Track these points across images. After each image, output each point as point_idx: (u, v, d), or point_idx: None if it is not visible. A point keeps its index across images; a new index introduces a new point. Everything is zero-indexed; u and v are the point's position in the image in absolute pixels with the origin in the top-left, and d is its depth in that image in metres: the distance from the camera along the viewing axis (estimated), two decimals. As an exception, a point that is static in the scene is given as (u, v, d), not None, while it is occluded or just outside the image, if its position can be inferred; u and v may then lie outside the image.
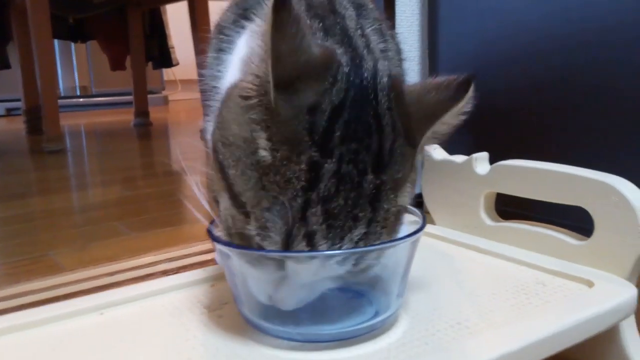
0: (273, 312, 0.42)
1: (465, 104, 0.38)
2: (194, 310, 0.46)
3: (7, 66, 2.48)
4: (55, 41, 3.07)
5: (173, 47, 2.81)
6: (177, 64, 2.87)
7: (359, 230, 0.35)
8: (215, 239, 0.40)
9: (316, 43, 0.37)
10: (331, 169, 0.35)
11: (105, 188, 1.50)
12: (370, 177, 0.36)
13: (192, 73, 2.43)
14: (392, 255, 0.40)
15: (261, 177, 0.35)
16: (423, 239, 0.59)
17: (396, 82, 0.39)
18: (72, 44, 3.53)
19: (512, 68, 0.92)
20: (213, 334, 0.42)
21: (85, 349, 0.41)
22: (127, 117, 2.95)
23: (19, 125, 2.70)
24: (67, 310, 0.46)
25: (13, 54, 2.47)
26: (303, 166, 0.34)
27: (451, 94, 0.37)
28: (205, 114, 0.53)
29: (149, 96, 2.81)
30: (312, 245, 0.35)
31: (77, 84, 3.82)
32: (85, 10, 2.49)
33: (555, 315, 0.43)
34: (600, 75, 0.80)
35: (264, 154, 0.35)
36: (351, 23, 0.43)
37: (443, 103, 0.38)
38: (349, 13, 0.44)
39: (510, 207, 0.65)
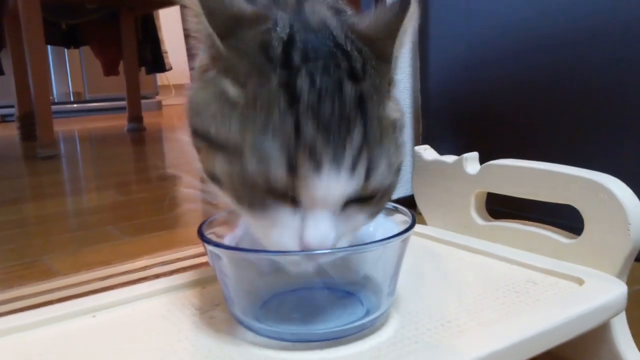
0: (264, 313, 0.42)
1: (414, 12, 0.39)
2: (186, 312, 0.46)
3: (0, 73, 2.47)
4: (49, 47, 3.07)
5: (166, 52, 2.81)
6: (170, 68, 2.87)
7: (357, 136, 0.34)
8: (206, 240, 0.40)
9: (246, 5, 0.38)
10: (306, 82, 0.34)
11: (98, 193, 1.50)
12: (349, 84, 0.35)
13: (185, 78, 2.44)
14: (382, 254, 0.40)
15: (242, 116, 0.35)
16: (414, 238, 0.59)
17: (346, 19, 0.41)
18: (66, 50, 3.53)
19: (501, 69, 0.92)
20: (205, 335, 0.42)
21: (77, 352, 0.41)
22: (120, 122, 2.94)
23: (12, 131, 2.69)
24: (59, 313, 0.46)
25: (6, 60, 2.47)
26: (275, 84, 0.34)
27: (397, 9, 0.38)
28: None
29: (143, 101, 2.81)
30: (315, 159, 0.33)
31: (70, 89, 3.82)
32: (78, 16, 2.49)
33: (545, 313, 0.43)
34: (587, 75, 0.80)
35: (234, 94, 0.35)
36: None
37: (395, 19, 0.38)
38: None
39: (501, 207, 0.66)
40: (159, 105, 4.02)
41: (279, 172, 0.33)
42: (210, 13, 0.36)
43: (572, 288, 0.48)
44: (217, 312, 0.46)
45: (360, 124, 0.35)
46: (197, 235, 0.41)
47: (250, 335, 0.41)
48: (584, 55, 0.80)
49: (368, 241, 0.39)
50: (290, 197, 0.35)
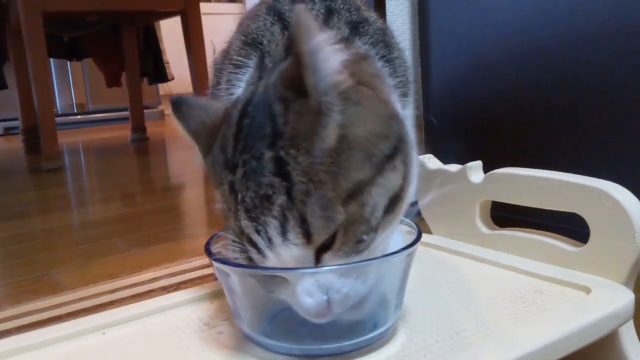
0: (272, 328, 0.43)
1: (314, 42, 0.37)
2: (194, 327, 0.46)
3: (4, 86, 2.49)
4: (51, 60, 3.09)
5: (168, 63, 2.82)
6: (172, 78, 2.88)
7: (277, 204, 0.36)
8: (213, 257, 0.41)
9: (218, 106, 0.44)
10: (239, 176, 0.38)
11: (104, 205, 1.51)
12: (267, 154, 0.37)
13: (187, 87, 2.45)
14: (388, 268, 0.41)
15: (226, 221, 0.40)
16: (421, 248, 0.59)
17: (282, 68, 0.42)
18: (68, 62, 3.54)
19: (503, 77, 0.92)
20: (213, 351, 0.42)
21: (87, 370, 0.41)
22: (124, 132, 2.95)
23: (17, 144, 2.70)
24: (69, 331, 0.46)
25: (9, 74, 2.48)
26: (227, 191, 0.39)
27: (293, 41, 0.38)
28: None
29: (145, 111, 2.82)
30: (253, 245, 0.37)
31: (74, 101, 3.84)
32: (80, 29, 2.51)
33: (553, 324, 0.43)
34: (590, 82, 0.80)
35: (218, 206, 0.41)
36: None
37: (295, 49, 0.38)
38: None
39: (504, 212, 0.66)
40: (162, 115, 4.03)
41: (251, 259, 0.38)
42: (197, 138, 0.44)
43: (579, 297, 0.48)
44: (225, 328, 0.46)
45: (281, 190, 0.36)
46: (205, 252, 0.42)
47: (259, 351, 0.41)
48: (586, 62, 0.80)
49: (374, 255, 0.39)
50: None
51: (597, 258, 0.50)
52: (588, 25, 0.79)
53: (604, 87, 0.79)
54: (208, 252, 0.41)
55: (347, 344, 0.40)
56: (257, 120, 0.39)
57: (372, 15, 0.54)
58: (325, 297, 0.37)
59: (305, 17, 0.35)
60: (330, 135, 0.37)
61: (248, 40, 0.50)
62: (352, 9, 0.52)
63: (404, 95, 0.53)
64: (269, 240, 0.36)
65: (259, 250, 0.37)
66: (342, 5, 0.52)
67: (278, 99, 0.38)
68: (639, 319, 0.50)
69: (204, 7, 2.33)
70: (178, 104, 0.45)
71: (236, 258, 0.39)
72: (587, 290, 0.48)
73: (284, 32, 0.48)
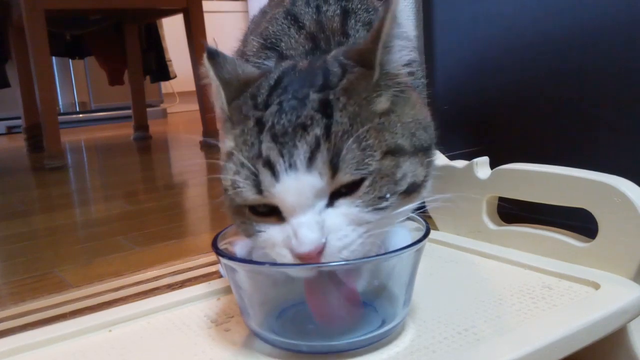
0: (279, 325, 0.42)
1: (395, 10, 0.40)
2: (201, 324, 0.46)
3: (6, 85, 2.49)
4: (54, 58, 3.09)
5: (170, 61, 2.82)
6: (175, 76, 2.88)
7: (314, 132, 0.37)
8: (220, 253, 0.40)
9: (253, 68, 0.46)
10: (273, 110, 0.39)
11: (107, 203, 1.51)
12: (313, 95, 0.39)
13: (189, 85, 2.45)
14: (397, 264, 0.40)
15: (230, 160, 0.40)
16: (428, 245, 0.59)
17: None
18: (70, 61, 3.55)
19: (509, 73, 0.92)
20: (221, 348, 0.42)
21: (94, 368, 0.41)
22: (126, 131, 2.96)
23: (19, 143, 2.71)
24: (76, 328, 0.46)
25: (11, 72, 2.48)
26: (251, 124, 0.39)
27: (381, 14, 0.40)
28: None
29: (148, 109, 2.82)
30: (270, 166, 0.37)
31: (76, 99, 3.84)
32: (82, 27, 2.51)
33: (562, 319, 0.43)
34: (596, 77, 0.80)
35: (229, 144, 0.41)
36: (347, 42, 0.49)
37: (379, 22, 0.40)
38: (358, 35, 0.50)
39: (512, 208, 0.65)
40: (164, 113, 4.03)
41: (248, 196, 0.38)
42: (225, 83, 0.44)
43: (588, 293, 0.48)
44: (232, 325, 0.46)
45: (320, 123, 0.37)
46: (212, 248, 0.42)
47: (266, 347, 0.41)
48: (593, 56, 0.80)
49: (383, 251, 0.39)
50: (272, 213, 0.38)
51: (606, 254, 0.50)
52: (595, 19, 0.79)
53: (612, 81, 0.79)
54: (215, 248, 0.41)
55: (354, 340, 0.40)
56: (305, 76, 0.41)
57: None
58: (323, 240, 0.36)
59: (398, 8, 0.40)
60: (382, 102, 0.40)
61: (267, 44, 0.52)
62: (369, 9, 0.52)
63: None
64: (291, 164, 0.36)
65: (274, 173, 0.37)
66: (359, 6, 0.52)
67: (337, 63, 0.41)
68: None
69: (206, 5, 2.32)
70: (214, 53, 0.45)
71: (237, 187, 0.38)
72: (596, 286, 0.48)
73: (300, 35, 0.50)
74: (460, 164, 0.63)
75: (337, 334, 0.40)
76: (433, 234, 0.65)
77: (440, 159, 0.66)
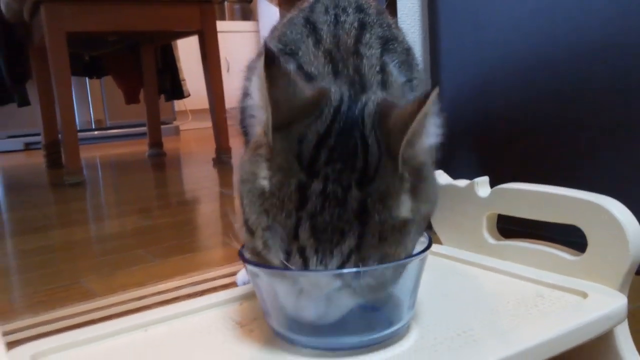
0: (299, 325, 0.47)
1: (430, 110, 0.40)
2: (227, 326, 0.51)
3: (27, 103, 2.57)
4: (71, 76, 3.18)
5: (184, 80, 2.90)
6: (189, 95, 2.96)
7: (348, 243, 0.40)
8: (245, 260, 0.46)
9: (309, 86, 0.44)
10: (317, 189, 0.40)
11: (123, 218, 1.56)
12: (354, 192, 0.40)
13: (202, 103, 2.52)
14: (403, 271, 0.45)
15: (263, 202, 0.41)
16: (432, 257, 0.64)
17: (383, 105, 0.44)
18: (87, 79, 3.64)
19: (510, 96, 0.97)
20: (246, 346, 0.47)
21: (133, 362, 0.47)
22: (141, 148, 3.02)
23: (37, 159, 2.78)
24: (115, 328, 0.51)
25: (31, 91, 2.56)
26: (293, 188, 0.40)
27: (415, 105, 0.40)
28: None
29: (161, 127, 2.89)
30: (304, 259, 0.40)
31: (92, 117, 3.93)
32: (100, 48, 2.59)
33: (552, 323, 0.48)
34: (596, 101, 0.85)
35: (263, 182, 0.42)
36: (362, 62, 0.49)
37: (410, 112, 0.40)
38: (370, 52, 0.50)
39: (514, 226, 0.70)
40: (177, 131, 4.11)
41: (275, 259, 0.41)
42: (276, 105, 0.41)
43: (576, 301, 0.52)
44: (256, 326, 0.51)
45: (355, 233, 0.40)
46: (238, 255, 0.47)
47: (286, 345, 0.46)
48: (592, 80, 0.85)
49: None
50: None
51: (594, 266, 0.55)
52: (595, 44, 0.84)
53: (610, 106, 0.84)
54: (241, 255, 0.46)
55: (365, 339, 0.45)
56: (349, 144, 0.41)
57: (401, 33, 0.56)
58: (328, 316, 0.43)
59: (431, 108, 0.40)
60: (405, 204, 0.41)
61: (286, 50, 0.52)
62: (384, 25, 0.53)
63: None
64: (321, 263, 0.40)
65: (305, 263, 0.40)
66: (375, 20, 0.53)
67: (374, 138, 0.41)
68: (634, 328, 0.54)
69: (219, 25, 2.40)
70: (273, 58, 0.41)
71: (267, 246, 0.41)
72: (584, 295, 0.52)
73: (318, 45, 0.50)
74: (462, 183, 0.68)
75: (349, 333, 0.45)
76: (437, 247, 0.70)
77: (443, 178, 0.71)
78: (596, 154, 0.86)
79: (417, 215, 0.43)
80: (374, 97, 0.45)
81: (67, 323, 0.76)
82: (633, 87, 0.80)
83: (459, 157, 1.04)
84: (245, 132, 0.57)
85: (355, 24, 0.51)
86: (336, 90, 0.44)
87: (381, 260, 0.41)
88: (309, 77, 0.48)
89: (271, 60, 0.40)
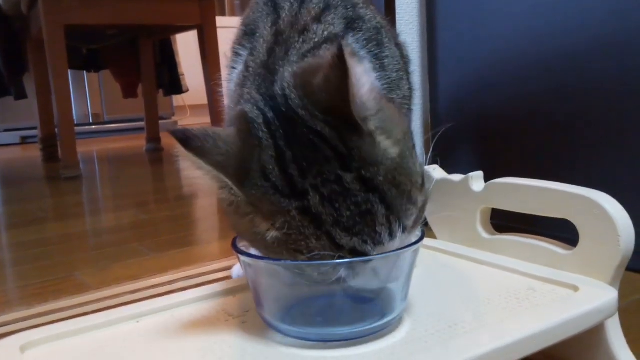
0: (291, 316, 0.48)
1: (351, 67, 0.38)
2: (220, 317, 0.51)
3: (24, 96, 2.56)
4: (69, 71, 3.17)
5: (183, 75, 2.89)
6: (187, 90, 2.95)
7: (381, 214, 0.40)
8: (239, 251, 0.46)
9: (229, 130, 0.43)
10: (316, 201, 0.40)
11: (120, 212, 1.56)
12: (346, 176, 0.40)
13: (201, 98, 2.51)
14: (396, 263, 0.46)
15: (288, 246, 0.41)
16: (425, 251, 0.64)
17: (297, 79, 0.43)
18: (85, 73, 3.63)
19: (506, 92, 0.98)
20: (239, 337, 0.47)
21: (125, 353, 0.47)
22: (138, 142, 3.02)
23: (34, 153, 2.78)
24: (108, 318, 0.51)
25: (28, 84, 2.56)
26: (299, 218, 0.40)
27: (335, 75, 0.39)
28: None
29: (160, 122, 2.88)
30: (362, 253, 0.41)
31: (89, 111, 3.93)
32: (99, 41, 2.58)
33: (543, 316, 0.48)
34: (589, 98, 0.85)
35: (273, 234, 0.41)
36: (304, 37, 0.49)
37: (339, 82, 0.39)
38: (323, 28, 0.50)
39: (508, 221, 0.71)
40: (175, 126, 4.11)
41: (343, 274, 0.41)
42: (222, 166, 0.40)
43: (568, 294, 0.53)
44: (248, 317, 0.51)
45: (377, 202, 0.40)
46: (231, 247, 0.47)
47: (278, 336, 0.46)
48: (586, 77, 0.85)
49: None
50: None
51: (586, 260, 0.55)
52: (591, 42, 0.84)
53: (604, 103, 0.84)
54: (235, 247, 0.46)
55: (357, 330, 0.45)
56: (304, 144, 0.41)
57: (369, 13, 0.55)
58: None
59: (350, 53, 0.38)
60: (387, 144, 0.41)
61: (247, 30, 0.53)
62: (348, 6, 0.53)
63: (390, 91, 0.55)
64: (377, 243, 0.41)
65: (364, 254, 0.41)
66: (340, 2, 0.53)
67: (324, 125, 0.41)
68: (631, 319, 0.55)
69: (218, 20, 2.39)
70: (187, 139, 0.40)
71: (322, 275, 0.41)
72: (575, 289, 0.53)
73: (274, 25, 0.50)
74: (456, 177, 0.68)
75: (341, 324, 0.45)
76: (432, 242, 0.70)
77: (437, 172, 0.71)
78: (589, 150, 0.86)
79: (402, 143, 0.43)
80: (284, 82, 0.44)
81: (60, 316, 0.76)
82: (628, 84, 0.81)
83: (454, 151, 1.05)
84: None
85: (321, 5, 0.52)
86: (251, 108, 0.44)
87: (410, 201, 0.42)
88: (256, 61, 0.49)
89: (183, 142, 0.40)
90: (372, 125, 0.41)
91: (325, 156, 0.40)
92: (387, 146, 0.42)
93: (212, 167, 0.40)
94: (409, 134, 0.45)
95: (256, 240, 0.43)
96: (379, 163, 0.41)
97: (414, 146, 0.45)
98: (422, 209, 0.44)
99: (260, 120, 0.42)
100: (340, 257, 0.40)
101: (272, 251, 0.42)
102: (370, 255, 0.41)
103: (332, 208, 0.40)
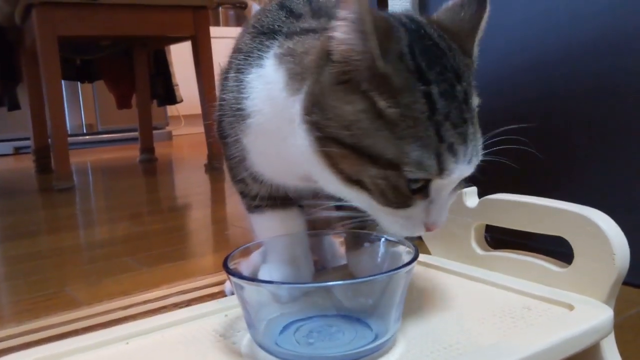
0: (283, 338, 0.47)
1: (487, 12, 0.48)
2: (210, 338, 0.51)
3: (17, 107, 2.55)
4: (63, 81, 3.17)
5: (177, 85, 2.89)
6: (181, 101, 2.95)
7: (474, 129, 0.45)
8: (231, 272, 0.45)
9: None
10: (437, 91, 0.42)
11: (113, 224, 1.55)
12: (458, 87, 0.44)
13: (195, 108, 2.51)
14: (389, 284, 0.45)
15: (393, 129, 0.42)
16: (419, 268, 0.64)
17: (429, 19, 0.48)
18: (79, 84, 3.62)
19: (498, 105, 0.97)
20: (229, 358, 0.46)
21: (113, 375, 0.46)
22: (132, 153, 3.01)
23: (26, 163, 2.76)
24: (96, 340, 0.50)
25: (21, 95, 2.55)
26: (421, 99, 0.42)
27: (475, 7, 0.47)
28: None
29: (153, 132, 2.88)
30: (455, 155, 0.43)
31: (83, 121, 3.91)
32: (93, 52, 2.58)
33: (538, 336, 0.47)
34: (583, 115, 0.85)
35: (389, 110, 0.42)
36: None
37: (475, 16, 0.47)
38: None
39: (502, 235, 0.70)
40: (169, 136, 4.10)
41: (431, 170, 0.42)
42: (379, 32, 0.41)
43: (563, 313, 0.52)
44: (239, 338, 0.50)
45: (471, 121, 0.44)
46: (223, 267, 0.46)
47: (270, 358, 0.45)
48: (578, 93, 0.85)
49: (376, 272, 0.44)
50: (425, 193, 0.45)
51: (580, 278, 0.55)
52: (582, 58, 0.84)
53: (598, 118, 0.84)
54: (226, 268, 0.46)
55: (351, 352, 0.44)
56: (433, 49, 0.44)
57: None
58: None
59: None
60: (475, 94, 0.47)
61: (264, 30, 0.54)
62: None
63: None
64: (465, 155, 0.44)
65: (457, 159, 0.43)
66: None
67: (447, 43, 0.46)
68: (624, 335, 0.54)
69: (212, 30, 2.40)
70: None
71: (423, 166, 0.42)
72: (571, 308, 0.52)
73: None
74: (450, 193, 0.68)
75: (335, 346, 0.45)
76: (426, 257, 0.70)
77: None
78: (583, 165, 0.86)
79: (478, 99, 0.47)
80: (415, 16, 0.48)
81: (51, 333, 0.75)
82: (622, 98, 0.81)
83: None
84: (225, 139, 0.57)
85: None
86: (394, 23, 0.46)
87: (481, 140, 0.46)
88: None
89: None
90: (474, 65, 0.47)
91: (447, 64, 0.44)
92: (476, 99, 0.46)
93: (374, 29, 0.41)
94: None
95: (358, 122, 0.43)
96: (474, 96, 0.46)
97: None
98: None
99: (396, 23, 0.45)
100: (440, 154, 0.42)
101: (372, 136, 0.42)
102: (458, 162, 0.43)
103: (446, 103, 0.43)
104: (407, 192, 0.44)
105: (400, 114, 0.42)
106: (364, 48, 0.42)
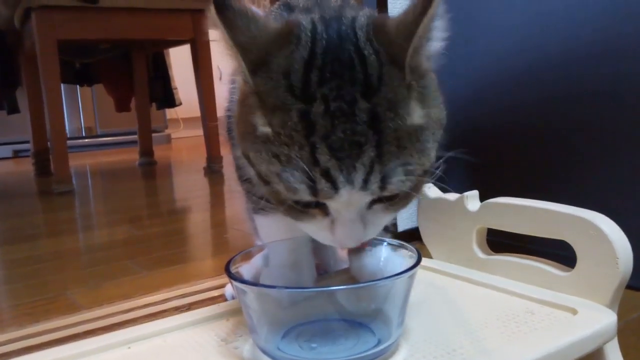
0: (285, 343, 0.47)
1: (435, 12, 0.39)
2: (212, 343, 0.50)
3: (16, 110, 2.55)
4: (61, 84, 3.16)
5: (176, 88, 2.89)
6: (180, 104, 2.94)
7: (368, 154, 0.39)
8: (232, 277, 0.45)
9: (274, 21, 0.43)
10: (319, 110, 0.39)
11: (113, 228, 1.54)
12: (361, 103, 0.39)
13: (194, 111, 2.50)
14: (392, 288, 0.45)
15: (270, 148, 0.40)
16: (421, 272, 0.63)
17: (375, 17, 0.43)
18: (78, 87, 3.62)
19: (499, 109, 0.97)
20: (231, 364, 0.46)
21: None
22: (131, 156, 3.01)
23: (26, 167, 2.75)
24: (99, 344, 0.50)
25: (20, 98, 2.54)
26: (295, 119, 0.39)
27: (419, 8, 0.39)
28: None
29: (152, 135, 2.87)
30: (331, 181, 0.39)
31: (82, 124, 3.91)
32: (92, 56, 2.58)
33: (541, 341, 0.47)
34: (582, 119, 0.85)
35: (264, 129, 0.40)
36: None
37: (414, 17, 0.39)
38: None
39: (504, 239, 0.70)
40: (168, 139, 4.10)
41: (304, 197, 0.40)
42: (243, 49, 0.40)
43: (566, 318, 0.52)
44: (241, 343, 0.50)
45: (372, 143, 0.39)
46: (225, 272, 0.46)
47: (272, 363, 0.45)
48: (579, 95, 0.85)
49: (379, 277, 0.44)
50: (320, 209, 0.42)
51: (584, 282, 0.54)
52: (583, 61, 0.84)
53: (598, 121, 0.84)
54: (228, 272, 0.45)
55: (353, 357, 0.44)
56: (342, 59, 0.40)
57: None
58: (363, 238, 0.43)
59: (437, 11, 0.39)
60: (417, 111, 0.41)
61: (282, 3, 0.52)
62: None
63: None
64: (348, 181, 0.39)
65: (334, 185, 0.39)
66: None
67: (371, 49, 0.40)
68: (626, 339, 0.54)
69: (211, 33, 2.39)
70: (224, 6, 0.40)
71: (290, 187, 0.39)
72: (574, 312, 0.52)
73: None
74: (452, 196, 0.68)
75: (336, 351, 0.44)
76: (427, 261, 0.69)
77: (432, 191, 0.70)
78: (586, 168, 0.86)
79: (430, 121, 0.42)
80: (362, 12, 0.44)
81: (51, 337, 0.74)
82: (622, 101, 0.81)
83: (448, 170, 1.04)
84: (233, 140, 0.57)
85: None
86: (306, 18, 0.43)
87: (404, 169, 0.40)
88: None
89: (219, 7, 0.39)
90: (414, 81, 0.41)
91: (354, 77, 0.39)
92: (415, 111, 0.41)
93: (234, 45, 0.40)
94: (439, 123, 0.44)
95: (246, 134, 0.42)
96: (399, 116, 0.39)
97: (439, 141, 0.44)
98: (409, 194, 0.42)
99: (309, 27, 0.42)
100: (312, 180, 0.39)
101: (254, 150, 0.41)
102: (338, 188, 0.39)
103: (330, 123, 0.39)
104: (298, 207, 0.42)
105: (273, 132, 0.40)
106: (239, 67, 0.41)
